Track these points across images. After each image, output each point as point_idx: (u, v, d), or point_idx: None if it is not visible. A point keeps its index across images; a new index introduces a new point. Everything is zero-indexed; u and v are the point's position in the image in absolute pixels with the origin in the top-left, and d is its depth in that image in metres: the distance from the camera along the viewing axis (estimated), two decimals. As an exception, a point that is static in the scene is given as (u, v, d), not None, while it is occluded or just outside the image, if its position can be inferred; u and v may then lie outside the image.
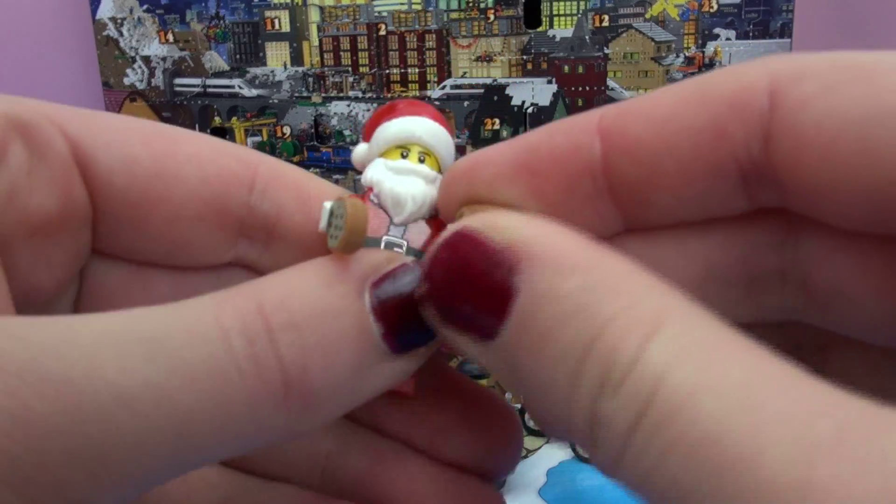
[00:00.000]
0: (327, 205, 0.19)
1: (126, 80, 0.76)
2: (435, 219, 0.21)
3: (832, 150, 0.14)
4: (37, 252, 0.18)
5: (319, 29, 0.75)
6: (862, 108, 0.14)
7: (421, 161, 0.21)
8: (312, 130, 0.77)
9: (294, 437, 0.17)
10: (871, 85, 0.14)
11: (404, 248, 0.20)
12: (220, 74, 0.76)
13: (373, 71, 0.75)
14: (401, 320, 0.18)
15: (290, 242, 0.21)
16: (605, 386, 0.14)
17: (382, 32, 0.74)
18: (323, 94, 0.76)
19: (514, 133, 0.75)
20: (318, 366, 0.16)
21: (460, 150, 0.76)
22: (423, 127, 0.21)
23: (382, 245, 0.20)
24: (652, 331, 0.14)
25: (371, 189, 0.21)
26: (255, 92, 0.76)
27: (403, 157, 0.21)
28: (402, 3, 0.73)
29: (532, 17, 0.72)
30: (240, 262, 0.21)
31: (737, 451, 0.12)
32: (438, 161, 0.21)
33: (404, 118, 0.21)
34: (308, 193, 0.21)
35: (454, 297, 0.16)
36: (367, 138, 0.22)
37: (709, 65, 0.71)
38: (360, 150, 0.22)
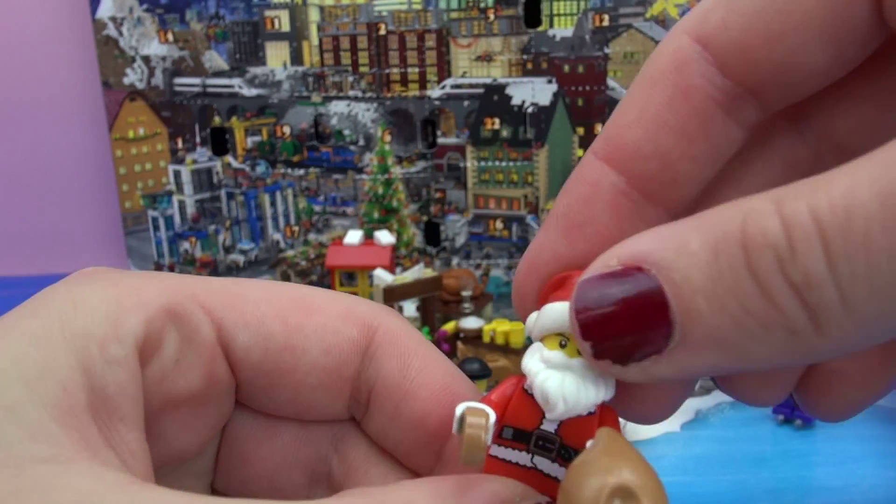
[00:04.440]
0: (458, 410, 0.18)
1: (126, 80, 0.75)
2: (600, 409, 0.19)
3: None
4: (181, 422, 0.21)
5: (319, 28, 0.75)
6: None
7: (579, 352, 0.18)
8: (312, 130, 0.77)
9: None
10: None
11: (556, 445, 0.19)
12: (219, 74, 0.76)
13: (373, 71, 0.75)
14: None
15: (385, 407, 0.22)
16: (782, 259, 0.14)
17: (382, 32, 0.74)
18: (323, 94, 0.76)
19: (514, 133, 0.75)
20: None
21: (460, 150, 0.76)
22: None
23: (532, 441, 0.19)
24: (778, 199, 0.15)
25: (526, 377, 0.19)
26: (254, 91, 0.76)
27: (562, 346, 0.19)
28: (402, 3, 0.73)
29: (532, 16, 0.72)
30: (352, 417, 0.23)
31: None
32: None
33: (566, 303, 0.18)
34: (410, 363, 0.22)
35: (615, 335, 0.17)
36: (541, 303, 0.20)
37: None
38: (530, 320, 0.20)
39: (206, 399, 0.21)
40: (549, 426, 0.19)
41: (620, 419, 0.20)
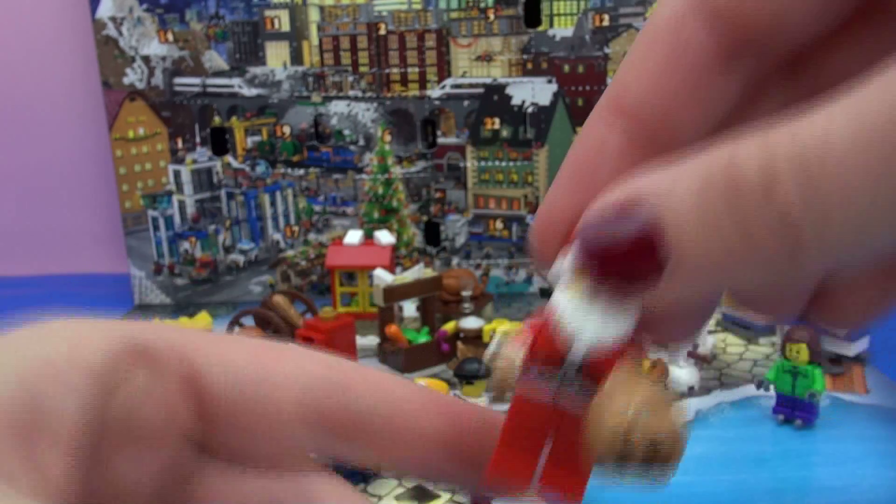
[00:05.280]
0: (493, 344, 0.19)
1: (125, 80, 0.75)
2: (624, 345, 0.19)
3: None
4: (134, 459, 0.20)
5: (319, 28, 0.75)
6: None
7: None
8: (312, 130, 0.77)
9: None
10: None
11: (580, 382, 0.20)
12: (219, 74, 0.76)
13: (373, 70, 0.75)
14: None
15: (366, 441, 0.22)
16: (766, 189, 0.16)
17: (382, 32, 0.74)
18: (323, 94, 0.76)
19: (514, 133, 0.75)
20: None
21: (460, 150, 0.76)
22: None
23: (556, 377, 0.20)
24: (763, 134, 0.16)
25: (551, 316, 0.20)
26: (254, 91, 0.76)
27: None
28: (402, 3, 0.73)
29: (532, 16, 0.72)
30: (324, 465, 0.23)
31: None
32: None
33: None
34: (386, 388, 0.22)
35: (615, 266, 0.18)
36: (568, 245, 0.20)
37: (709, 64, 0.71)
38: (557, 264, 0.20)
39: (167, 435, 0.21)
40: (572, 363, 0.20)
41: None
